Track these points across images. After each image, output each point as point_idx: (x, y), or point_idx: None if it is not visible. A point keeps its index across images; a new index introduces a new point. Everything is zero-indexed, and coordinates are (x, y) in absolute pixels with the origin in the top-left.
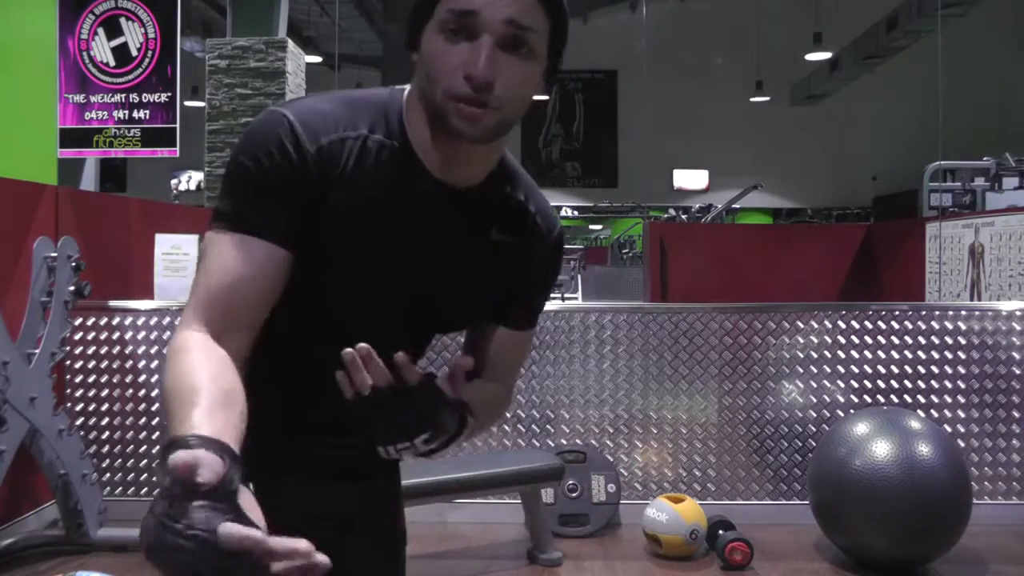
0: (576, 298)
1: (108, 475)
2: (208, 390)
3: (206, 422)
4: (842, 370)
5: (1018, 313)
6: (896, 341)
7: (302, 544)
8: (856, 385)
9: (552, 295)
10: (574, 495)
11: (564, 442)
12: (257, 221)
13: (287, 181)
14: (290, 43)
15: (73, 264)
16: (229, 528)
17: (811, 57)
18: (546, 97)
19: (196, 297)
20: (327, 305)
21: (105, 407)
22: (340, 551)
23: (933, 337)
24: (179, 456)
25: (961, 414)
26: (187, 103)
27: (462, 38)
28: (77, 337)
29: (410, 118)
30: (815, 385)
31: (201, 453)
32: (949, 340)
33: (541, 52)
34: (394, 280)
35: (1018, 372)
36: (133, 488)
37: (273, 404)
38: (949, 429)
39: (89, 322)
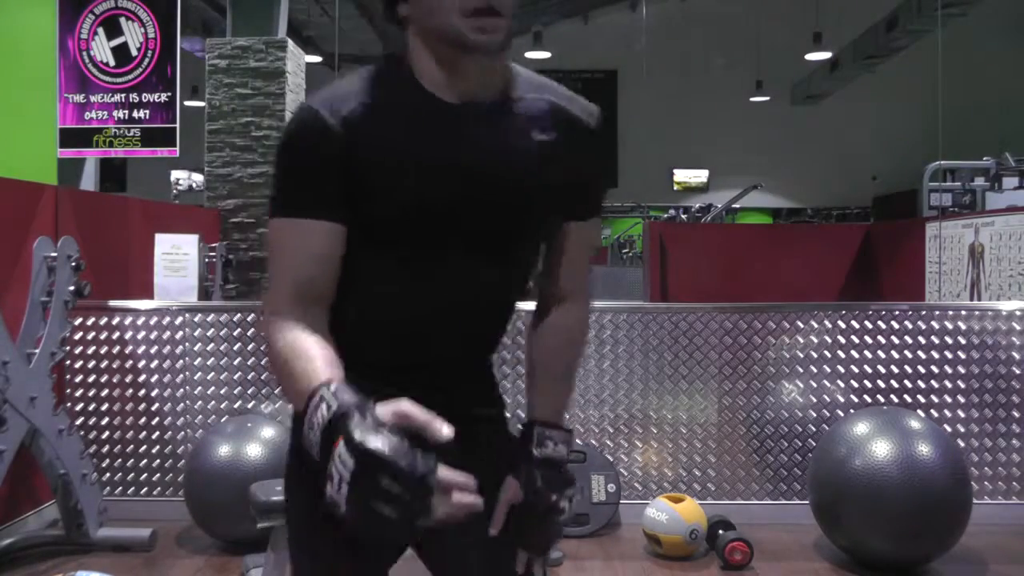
0: None
1: (108, 475)
2: (322, 354)
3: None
4: (842, 370)
5: (1018, 313)
6: (896, 341)
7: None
8: (856, 385)
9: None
10: None
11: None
12: (311, 204)
13: (324, 161)
14: (290, 43)
15: (73, 264)
16: (446, 472)
17: (811, 57)
18: None
19: (277, 280)
20: (401, 252)
21: (105, 407)
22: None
23: (933, 337)
24: (407, 407)
25: (961, 414)
26: (187, 103)
27: None
28: (77, 337)
29: (417, 63)
30: (815, 385)
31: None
32: (949, 340)
33: None
34: (451, 208)
35: (1018, 372)
36: (133, 488)
37: (361, 359)
38: (949, 429)
39: (89, 322)
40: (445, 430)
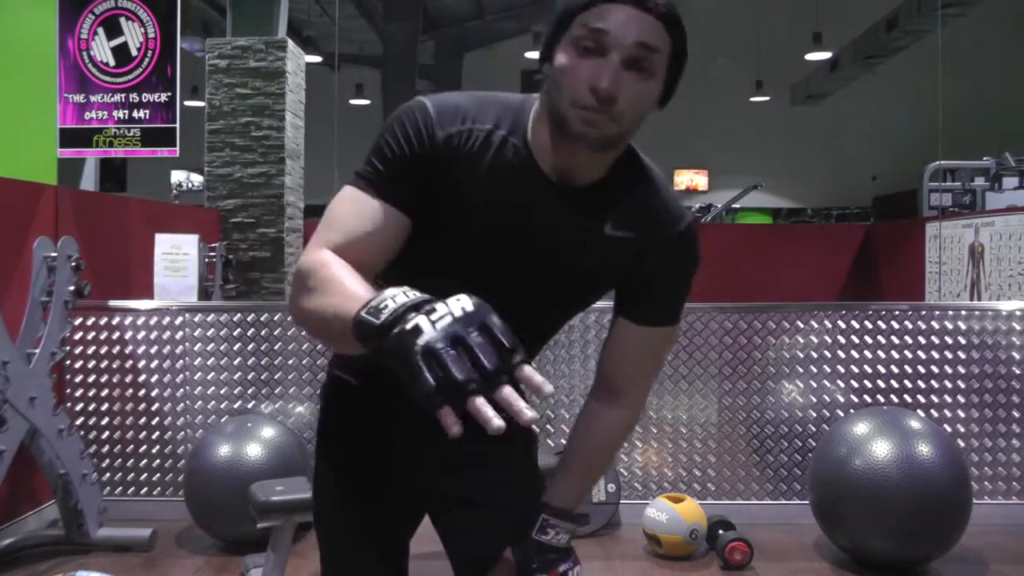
0: None
1: (108, 475)
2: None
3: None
4: (842, 370)
5: (1018, 313)
6: (896, 341)
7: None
8: (856, 385)
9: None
10: None
11: (564, 442)
12: (389, 188)
13: (416, 159)
14: (290, 43)
15: (73, 264)
16: (530, 369)
17: (811, 57)
18: None
19: (330, 234)
20: (442, 274)
21: (105, 407)
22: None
23: (933, 337)
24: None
25: (961, 414)
26: (187, 103)
27: (593, 54)
28: (77, 337)
29: (535, 122)
30: (815, 385)
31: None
32: (949, 340)
33: (661, 72)
34: (498, 259)
35: (1018, 372)
36: (133, 488)
37: None
38: (949, 429)
39: (89, 322)
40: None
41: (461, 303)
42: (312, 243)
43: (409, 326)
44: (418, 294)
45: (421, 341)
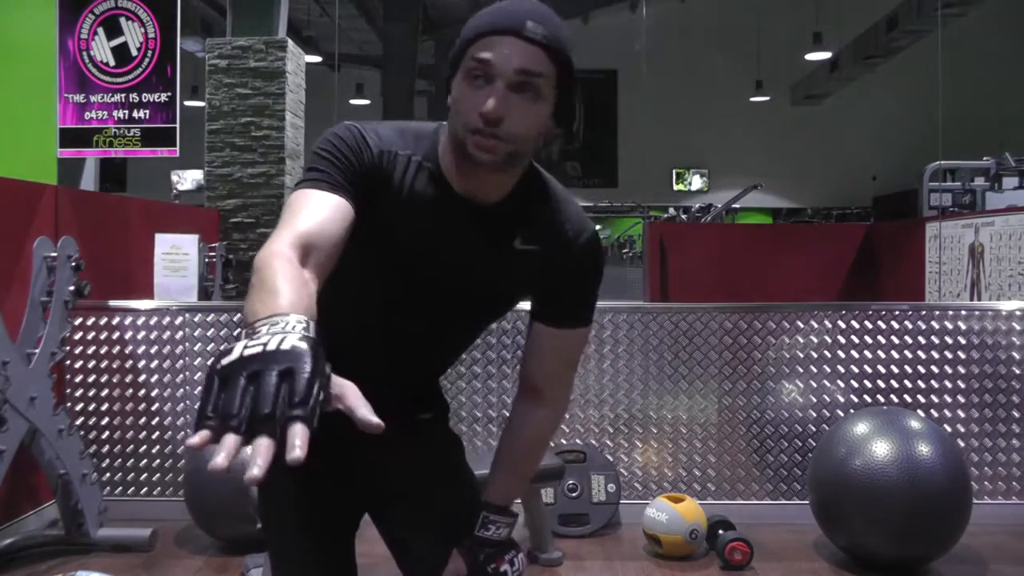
0: None
1: (108, 475)
2: (294, 288)
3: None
4: (842, 370)
5: (1018, 313)
6: (896, 341)
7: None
8: (856, 385)
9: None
10: (574, 495)
11: (564, 442)
12: (336, 183)
13: (361, 167)
14: (290, 43)
15: (73, 264)
16: (300, 430)
17: (811, 57)
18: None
19: (289, 220)
20: (367, 290)
21: (105, 407)
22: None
23: (933, 337)
24: (352, 387)
25: (961, 414)
26: (187, 103)
27: (482, 83)
28: (77, 337)
29: (444, 148)
30: (815, 385)
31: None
32: (949, 340)
33: (548, 94)
34: (419, 277)
35: (1018, 372)
36: (133, 488)
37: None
38: (949, 429)
39: (89, 322)
40: (373, 420)
41: (284, 340)
42: (270, 239)
43: (227, 347)
44: (303, 329)
45: (224, 362)
